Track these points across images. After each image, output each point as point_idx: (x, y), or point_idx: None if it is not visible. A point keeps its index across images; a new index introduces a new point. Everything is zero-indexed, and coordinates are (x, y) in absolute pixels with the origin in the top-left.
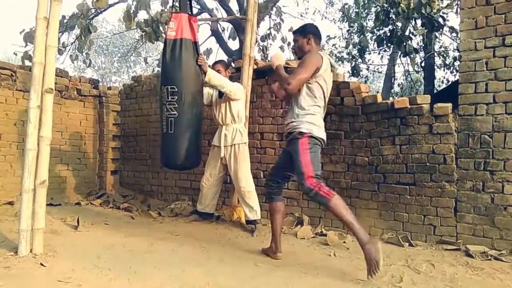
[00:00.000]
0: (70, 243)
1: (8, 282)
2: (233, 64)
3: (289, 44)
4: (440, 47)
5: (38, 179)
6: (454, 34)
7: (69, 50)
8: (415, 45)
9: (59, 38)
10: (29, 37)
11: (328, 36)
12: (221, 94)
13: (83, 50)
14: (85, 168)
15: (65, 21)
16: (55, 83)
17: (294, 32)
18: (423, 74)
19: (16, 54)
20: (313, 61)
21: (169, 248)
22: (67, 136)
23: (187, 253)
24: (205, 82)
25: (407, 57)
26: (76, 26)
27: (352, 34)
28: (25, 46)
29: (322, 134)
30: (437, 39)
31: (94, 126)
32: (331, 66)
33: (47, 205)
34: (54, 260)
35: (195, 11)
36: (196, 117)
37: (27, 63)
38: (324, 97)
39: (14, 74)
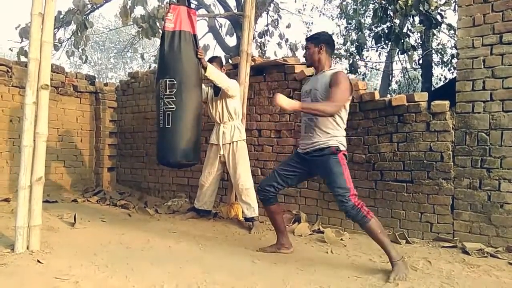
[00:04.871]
0: (67, 240)
1: (5, 279)
2: (230, 61)
3: (286, 40)
4: (438, 45)
5: (35, 175)
6: (452, 32)
7: (65, 46)
8: (413, 43)
9: (55, 34)
10: (24, 32)
11: None
12: (216, 92)
13: (79, 46)
14: (82, 165)
15: (61, 16)
16: (51, 79)
17: (307, 39)
18: (420, 71)
19: (11, 50)
20: (349, 88)
21: (166, 245)
22: (63, 133)
23: (184, 250)
24: (204, 77)
25: (405, 54)
26: (72, 21)
27: (350, 31)
28: (20, 42)
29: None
30: (435, 37)
31: (90, 122)
32: None
33: (43, 202)
34: (50, 257)
35: (192, 7)
36: (195, 111)
37: (23, 59)
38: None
39: (9, 70)
